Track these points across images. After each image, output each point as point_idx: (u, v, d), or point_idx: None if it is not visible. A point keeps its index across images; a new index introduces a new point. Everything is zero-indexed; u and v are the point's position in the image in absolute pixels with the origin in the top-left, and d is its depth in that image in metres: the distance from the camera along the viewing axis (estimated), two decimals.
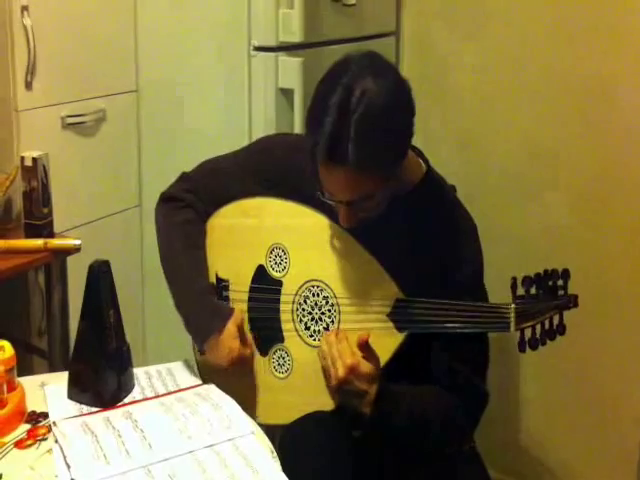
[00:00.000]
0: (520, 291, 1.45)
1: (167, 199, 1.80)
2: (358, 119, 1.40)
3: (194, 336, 1.70)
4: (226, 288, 1.74)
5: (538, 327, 1.46)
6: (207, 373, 1.69)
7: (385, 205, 1.54)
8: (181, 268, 1.72)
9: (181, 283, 1.71)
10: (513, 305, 1.44)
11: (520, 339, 1.47)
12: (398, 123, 1.47)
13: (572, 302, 1.47)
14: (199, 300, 1.68)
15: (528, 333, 1.47)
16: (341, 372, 1.50)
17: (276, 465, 1.36)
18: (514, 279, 1.44)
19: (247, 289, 1.71)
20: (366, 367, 1.51)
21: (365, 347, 1.52)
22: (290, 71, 2.26)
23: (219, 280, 1.75)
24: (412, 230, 1.60)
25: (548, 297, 1.46)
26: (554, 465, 2.60)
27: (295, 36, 2.25)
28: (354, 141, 1.40)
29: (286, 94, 2.28)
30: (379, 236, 1.57)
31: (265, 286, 1.68)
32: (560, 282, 1.46)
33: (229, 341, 1.61)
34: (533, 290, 1.45)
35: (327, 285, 1.61)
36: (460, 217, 1.66)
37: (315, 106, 1.48)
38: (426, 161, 1.68)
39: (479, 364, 1.64)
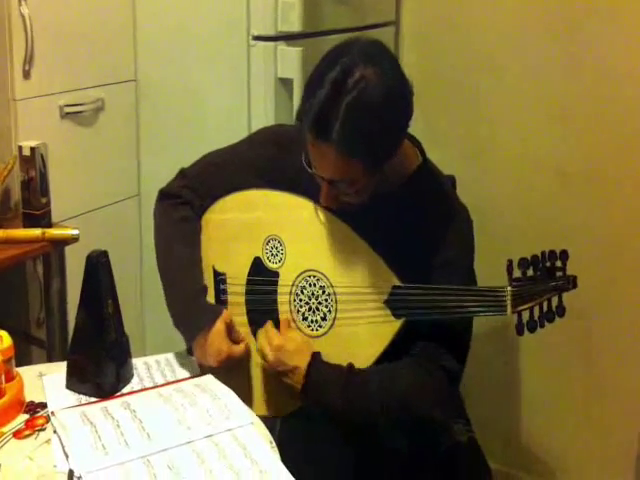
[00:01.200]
0: (517, 273, 1.44)
1: (165, 196, 1.80)
2: (350, 101, 1.40)
3: (183, 335, 1.69)
4: (223, 281, 1.74)
5: (536, 309, 1.46)
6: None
7: (368, 195, 1.54)
8: (173, 268, 1.72)
9: (172, 282, 1.71)
10: (509, 288, 1.44)
11: (517, 322, 1.46)
12: (390, 119, 1.46)
13: (571, 283, 1.46)
14: (189, 300, 1.67)
15: (526, 316, 1.46)
16: (270, 355, 1.57)
17: (275, 456, 1.36)
18: (510, 261, 1.44)
19: (244, 281, 1.70)
20: (292, 343, 1.58)
21: (287, 328, 1.62)
22: (289, 61, 2.25)
23: (216, 273, 1.74)
24: (405, 220, 1.60)
25: (546, 278, 1.45)
26: (553, 456, 2.60)
27: (294, 26, 2.24)
28: (341, 121, 1.40)
29: (285, 84, 2.28)
30: (373, 225, 1.57)
31: (262, 278, 1.68)
32: (559, 263, 1.45)
33: (217, 340, 1.60)
34: (530, 272, 1.44)
35: (323, 275, 1.61)
36: (453, 209, 1.66)
37: (313, 78, 1.48)
38: (422, 151, 1.67)
39: (455, 343, 1.60)
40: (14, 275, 2.33)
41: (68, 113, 2.37)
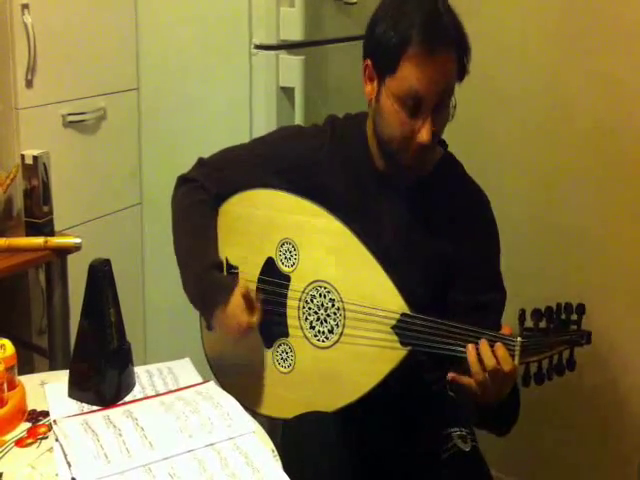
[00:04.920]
0: (529, 323, 1.42)
1: (184, 180, 1.82)
2: (445, 6, 1.54)
3: (201, 311, 1.71)
4: (235, 275, 1.74)
5: (545, 361, 1.44)
6: (214, 354, 1.69)
7: (441, 132, 1.61)
8: (188, 245, 1.73)
9: (187, 260, 1.72)
10: (519, 338, 1.42)
11: (524, 373, 1.45)
12: None
13: (585, 339, 1.44)
14: (204, 275, 1.68)
15: (534, 367, 1.44)
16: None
17: (277, 464, 1.36)
18: (522, 311, 1.41)
19: (255, 279, 1.71)
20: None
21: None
22: (291, 69, 2.25)
23: (229, 266, 1.75)
24: (435, 205, 1.65)
25: (559, 331, 1.43)
26: (555, 464, 2.59)
27: (296, 34, 2.25)
28: (450, 18, 1.53)
29: (287, 92, 2.28)
30: (406, 214, 1.64)
31: (273, 279, 1.68)
32: (574, 316, 1.43)
33: (236, 312, 1.60)
34: (543, 324, 1.42)
35: (334, 288, 1.61)
36: (479, 193, 1.71)
37: (395, 10, 1.56)
38: (443, 144, 1.73)
39: None
40: (16, 284, 2.33)
41: (70, 122, 2.38)
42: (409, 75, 1.52)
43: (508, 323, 1.52)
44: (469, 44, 1.57)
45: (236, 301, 1.61)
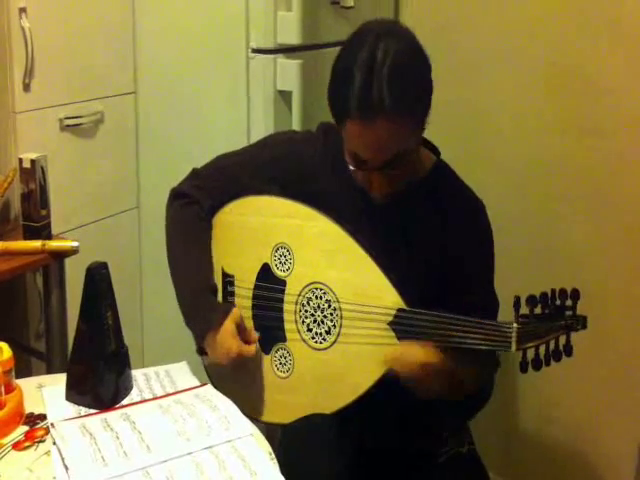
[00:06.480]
0: (524, 310, 1.42)
1: (176, 195, 1.81)
2: (389, 66, 1.45)
3: (193, 333, 1.70)
4: (231, 283, 1.74)
5: (542, 347, 1.44)
6: (211, 369, 1.70)
7: (406, 177, 1.57)
8: (184, 266, 1.73)
9: (182, 280, 1.71)
10: (515, 325, 1.42)
11: (522, 359, 1.45)
12: (422, 72, 1.52)
13: (580, 324, 1.44)
14: (198, 298, 1.68)
15: (531, 353, 1.45)
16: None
17: (274, 467, 1.36)
18: (517, 298, 1.41)
19: (252, 286, 1.71)
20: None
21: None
22: (288, 73, 2.26)
23: (225, 275, 1.75)
24: (428, 214, 1.64)
25: (555, 317, 1.43)
26: (553, 467, 2.60)
27: (293, 38, 2.25)
28: (388, 85, 1.44)
29: (284, 96, 2.29)
30: (398, 223, 1.62)
31: (269, 284, 1.69)
32: (569, 302, 1.43)
33: (227, 339, 1.60)
34: (538, 309, 1.42)
35: (330, 289, 1.61)
36: (473, 200, 1.69)
37: (340, 70, 1.51)
38: (436, 151, 1.72)
39: None
40: (14, 287, 2.33)
41: (68, 125, 2.38)
42: (351, 140, 1.51)
43: (503, 312, 1.52)
44: (418, 104, 1.50)
45: (228, 327, 1.61)
